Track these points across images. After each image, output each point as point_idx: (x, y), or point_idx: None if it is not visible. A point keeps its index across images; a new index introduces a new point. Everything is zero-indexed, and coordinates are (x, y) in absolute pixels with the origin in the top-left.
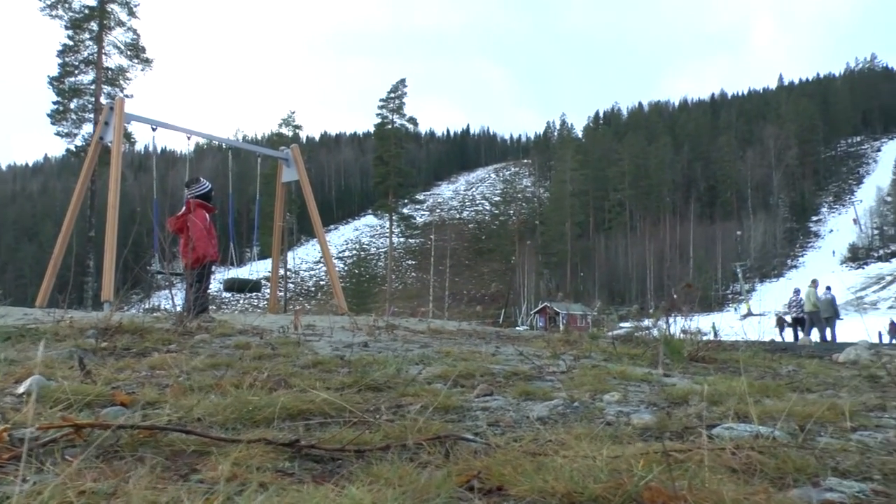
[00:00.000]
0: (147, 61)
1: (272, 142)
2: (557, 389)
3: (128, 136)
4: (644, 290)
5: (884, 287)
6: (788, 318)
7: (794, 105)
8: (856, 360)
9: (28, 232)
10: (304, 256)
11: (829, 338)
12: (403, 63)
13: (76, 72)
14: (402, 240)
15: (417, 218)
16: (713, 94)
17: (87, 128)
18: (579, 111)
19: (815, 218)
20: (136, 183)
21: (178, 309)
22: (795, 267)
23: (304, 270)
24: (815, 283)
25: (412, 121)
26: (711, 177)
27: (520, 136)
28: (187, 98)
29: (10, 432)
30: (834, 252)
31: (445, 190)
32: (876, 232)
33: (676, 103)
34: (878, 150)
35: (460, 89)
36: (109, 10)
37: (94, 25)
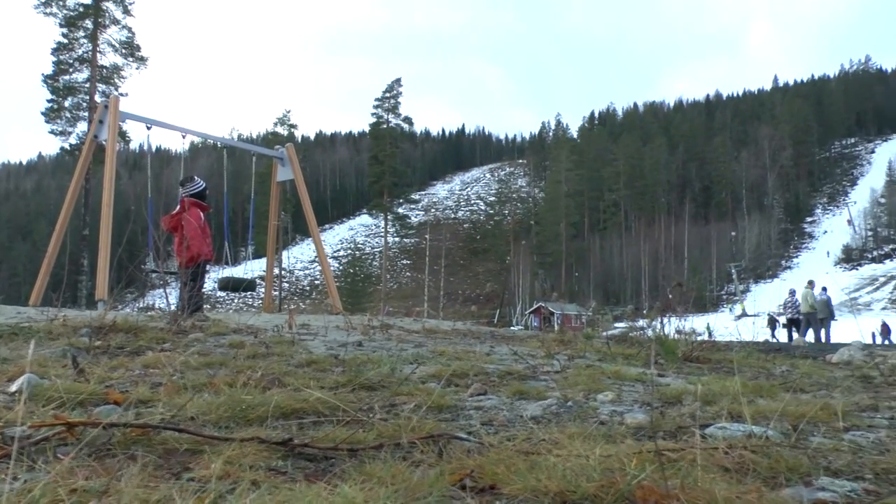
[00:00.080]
0: (142, 59)
1: (267, 141)
2: (551, 389)
3: (122, 135)
4: (639, 290)
5: (877, 288)
6: (782, 319)
7: (789, 106)
8: (849, 360)
9: (22, 230)
10: (298, 256)
11: (823, 339)
12: (399, 62)
13: (71, 70)
14: (397, 239)
15: (412, 217)
16: (708, 95)
17: (82, 126)
18: (574, 111)
19: (809, 219)
20: (130, 181)
21: (173, 308)
22: (790, 268)
23: (299, 270)
24: (811, 284)
25: (407, 120)
26: (706, 177)
27: (515, 136)
28: (182, 97)
29: (1, 431)
30: (828, 253)
31: (440, 190)
32: (870, 233)
33: (671, 104)
34: (872, 151)
35: (456, 89)
36: (104, 7)
37: (88, 23)
